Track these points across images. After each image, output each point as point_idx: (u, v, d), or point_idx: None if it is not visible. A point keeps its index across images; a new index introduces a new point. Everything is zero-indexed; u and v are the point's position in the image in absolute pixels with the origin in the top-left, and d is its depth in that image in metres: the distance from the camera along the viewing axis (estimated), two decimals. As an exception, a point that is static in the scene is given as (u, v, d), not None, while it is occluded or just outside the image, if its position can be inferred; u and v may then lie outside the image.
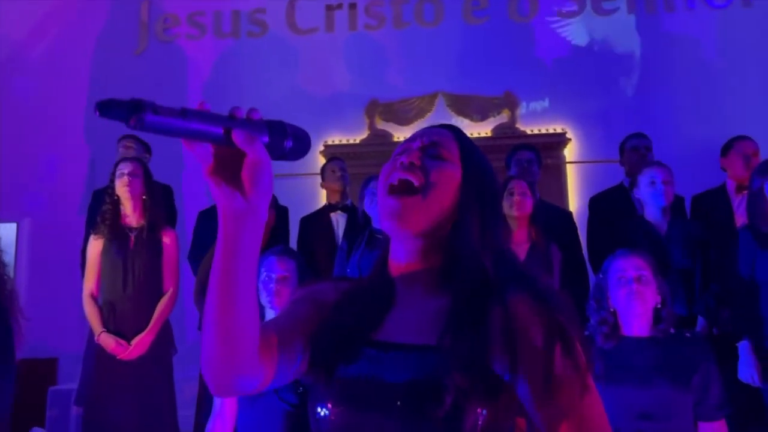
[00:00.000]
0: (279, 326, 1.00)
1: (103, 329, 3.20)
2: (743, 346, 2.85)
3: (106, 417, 3.12)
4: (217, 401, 2.39)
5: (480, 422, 0.89)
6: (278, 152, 0.88)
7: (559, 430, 0.91)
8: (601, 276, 2.29)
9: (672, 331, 2.21)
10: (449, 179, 1.00)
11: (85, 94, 5.65)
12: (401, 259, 1.02)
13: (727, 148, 3.78)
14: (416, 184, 0.98)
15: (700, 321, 3.02)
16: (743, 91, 5.16)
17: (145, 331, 3.18)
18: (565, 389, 0.91)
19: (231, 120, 0.83)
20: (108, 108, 0.73)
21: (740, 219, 3.60)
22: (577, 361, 0.92)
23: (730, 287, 2.96)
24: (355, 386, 0.95)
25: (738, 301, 2.91)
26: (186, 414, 3.57)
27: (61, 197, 5.49)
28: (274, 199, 3.52)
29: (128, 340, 3.17)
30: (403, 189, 0.98)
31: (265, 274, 2.44)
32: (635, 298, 2.15)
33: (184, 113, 0.78)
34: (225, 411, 2.37)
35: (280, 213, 3.53)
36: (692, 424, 2.07)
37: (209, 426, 2.38)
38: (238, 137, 0.82)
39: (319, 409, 0.96)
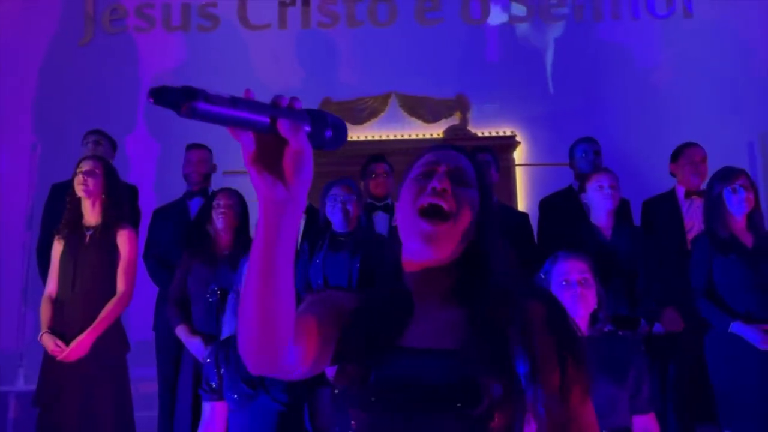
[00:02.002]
0: (311, 317, 1.03)
1: (47, 330, 3.12)
2: (736, 326, 2.93)
3: (56, 419, 3.03)
4: (206, 408, 2.36)
5: (503, 422, 0.96)
6: (318, 141, 0.88)
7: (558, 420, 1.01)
8: (542, 277, 2.33)
9: (606, 330, 2.29)
10: (472, 204, 1.08)
11: (34, 85, 5.46)
12: (417, 267, 1.08)
13: (676, 155, 3.90)
14: (447, 209, 1.04)
15: (642, 323, 3.11)
16: (686, 98, 5.36)
17: (85, 333, 3.08)
18: (572, 395, 1.01)
19: (276, 109, 0.83)
20: (160, 95, 0.73)
21: (689, 223, 3.75)
22: (584, 371, 1.03)
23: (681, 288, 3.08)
24: (390, 389, 0.98)
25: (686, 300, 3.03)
26: (144, 415, 3.49)
27: (4, 192, 5.28)
28: (240, 202, 3.45)
29: (72, 341, 3.08)
30: (434, 212, 1.05)
31: None
32: (579, 301, 2.20)
33: (234, 102, 0.79)
34: (215, 416, 2.34)
35: (241, 217, 3.48)
36: (629, 418, 2.16)
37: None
38: (283, 126, 0.83)
39: (351, 412, 1.00)
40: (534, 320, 1.01)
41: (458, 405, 0.94)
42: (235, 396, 2.26)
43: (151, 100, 0.73)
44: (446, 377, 0.96)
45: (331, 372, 1.07)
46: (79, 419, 3.04)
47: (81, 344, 3.07)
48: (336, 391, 1.03)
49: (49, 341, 3.08)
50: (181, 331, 3.27)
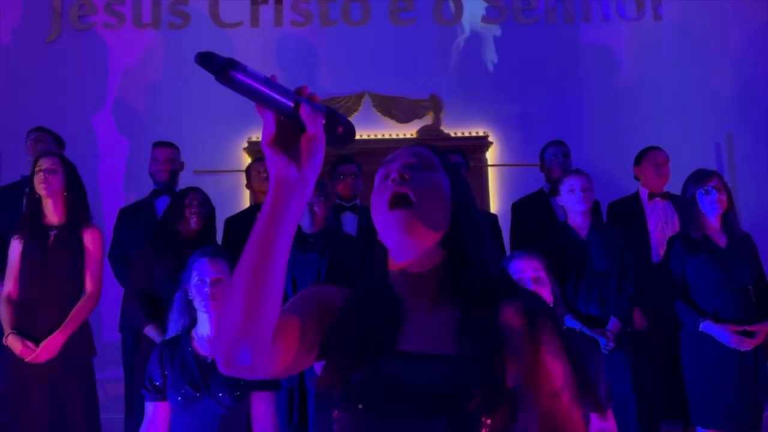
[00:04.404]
0: (293, 317, 1.02)
1: (12, 330, 3.03)
2: (706, 326, 3.01)
3: (17, 422, 2.96)
4: (149, 407, 2.32)
5: (496, 425, 0.93)
6: (329, 135, 0.95)
7: (551, 422, 1.02)
8: None
9: (563, 328, 2.32)
10: (439, 185, 1.06)
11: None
12: (402, 261, 1.06)
13: (639, 158, 3.99)
14: (410, 193, 1.03)
15: (612, 320, 3.15)
16: (654, 100, 5.44)
17: (55, 333, 3.02)
18: (563, 394, 1.02)
19: (299, 96, 0.91)
20: (206, 59, 0.82)
21: (652, 224, 3.82)
22: (575, 371, 1.04)
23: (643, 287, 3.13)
24: (381, 391, 0.96)
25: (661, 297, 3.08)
26: (110, 417, 3.44)
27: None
28: (208, 201, 3.40)
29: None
30: (401, 202, 1.03)
31: (197, 277, 2.37)
32: None
33: (267, 81, 0.87)
34: (157, 417, 2.30)
35: (209, 216, 3.43)
36: (588, 415, 2.18)
37: None
38: (304, 111, 0.90)
39: (335, 413, 0.97)
40: (526, 321, 1.01)
41: (451, 408, 0.92)
42: (179, 398, 2.24)
43: (197, 60, 0.82)
44: (440, 382, 0.94)
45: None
46: (50, 421, 2.97)
47: (51, 345, 3.01)
48: (319, 392, 1.01)
49: (17, 342, 3.00)
50: (150, 331, 3.16)
